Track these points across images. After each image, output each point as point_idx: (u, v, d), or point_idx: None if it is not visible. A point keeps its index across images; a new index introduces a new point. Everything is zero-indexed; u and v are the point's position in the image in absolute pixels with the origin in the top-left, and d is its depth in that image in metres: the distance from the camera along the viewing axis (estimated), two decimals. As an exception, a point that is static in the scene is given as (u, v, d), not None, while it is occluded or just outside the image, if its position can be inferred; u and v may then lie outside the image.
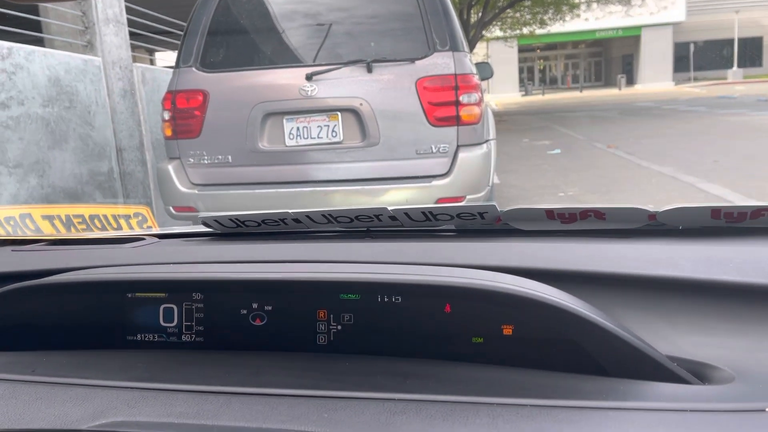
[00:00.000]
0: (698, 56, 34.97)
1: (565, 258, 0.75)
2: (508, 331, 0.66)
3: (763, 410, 0.50)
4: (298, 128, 3.35)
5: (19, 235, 1.04)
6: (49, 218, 1.03)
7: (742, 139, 8.99)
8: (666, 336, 0.65)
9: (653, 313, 0.68)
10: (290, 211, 1.00)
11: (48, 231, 1.07)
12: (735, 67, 31.75)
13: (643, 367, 0.58)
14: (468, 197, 3.24)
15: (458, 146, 3.25)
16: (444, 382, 0.60)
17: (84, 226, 1.04)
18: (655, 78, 34.26)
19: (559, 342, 0.61)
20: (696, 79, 33.96)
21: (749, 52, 34.65)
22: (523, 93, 37.53)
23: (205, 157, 3.40)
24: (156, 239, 1.05)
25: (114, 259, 0.87)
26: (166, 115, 3.43)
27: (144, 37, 5.41)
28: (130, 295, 0.77)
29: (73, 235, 1.07)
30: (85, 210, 1.02)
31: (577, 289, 0.68)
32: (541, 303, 0.61)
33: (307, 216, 0.99)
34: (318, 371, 0.66)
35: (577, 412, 0.51)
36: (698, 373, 0.59)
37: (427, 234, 0.99)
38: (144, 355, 0.74)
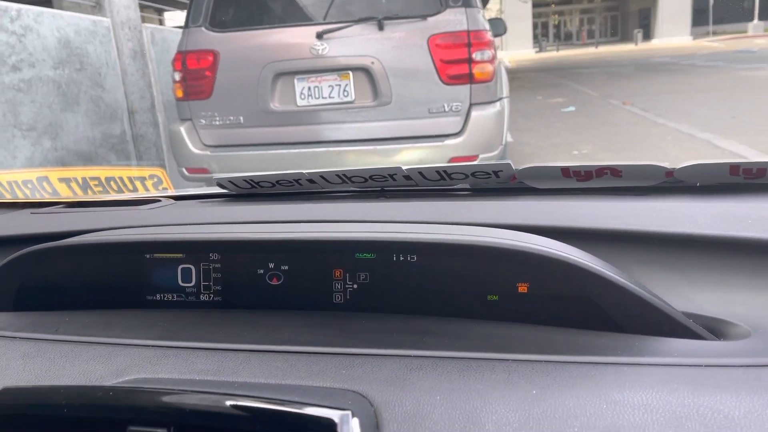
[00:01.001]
0: (717, 9, 33.97)
1: (580, 216, 0.75)
2: (523, 288, 0.66)
3: None
4: (309, 88, 3.32)
5: (37, 198, 1.06)
6: (66, 181, 1.04)
7: (761, 95, 8.80)
8: (682, 293, 0.65)
9: (670, 270, 0.68)
10: (304, 171, 1.00)
11: (65, 194, 1.08)
12: (756, 20, 30.82)
13: (659, 323, 0.58)
14: (481, 156, 3.22)
15: (471, 104, 3.21)
16: (460, 339, 0.61)
17: (100, 189, 1.05)
18: (673, 32, 33.40)
19: (575, 299, 0.62)
20: (715, 33, 33.06)
21: (771, 3, 33.58)
22: (537, 49, 36.82)
23: (217, 118, 3.39)
24: (172, 201, 1.06)
25: (131, 220, 0.88)
26: (177, 76, 3.41)
27: (152, -3, 5.34)
28: (148, 256, 0.78)
29: (90, 197, 1.08)
30: (101, 172, 1.03)
31: (592, 246, 0.68)
32: (556, 260, 0.61)
33: (321, 176, 0.99)
34: (335, 329, 0.67)
35: (592, 368, 0.52)
36: (714, 329, 0.60)
37: (442, 193, 0.99)
38: (164, 315, 0.75)
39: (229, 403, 0.45)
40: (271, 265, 0.75)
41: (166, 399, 0.46)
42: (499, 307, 0.67)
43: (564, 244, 0.64)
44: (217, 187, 1.06)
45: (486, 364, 0.54)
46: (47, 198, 1.05)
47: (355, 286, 0.73)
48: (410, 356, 0.56)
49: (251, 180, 1.03)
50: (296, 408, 0.44)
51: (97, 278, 0.78)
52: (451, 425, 0.46)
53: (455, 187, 0.99)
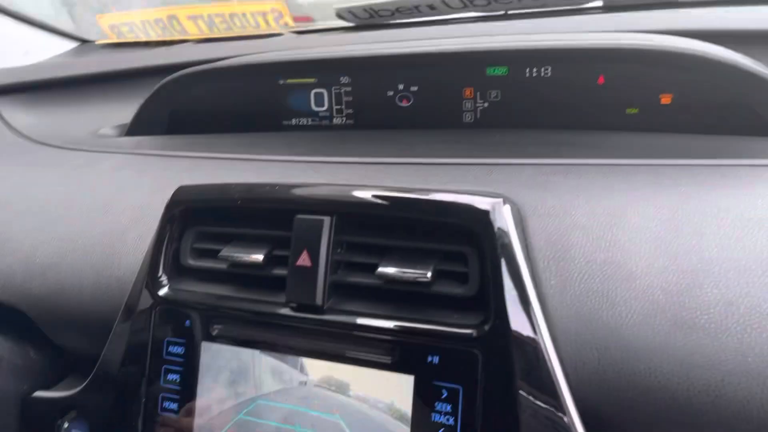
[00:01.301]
0: None
1: (732, 19, 0.69)
2: (666, 99, 0.64)
3: None
4: None
5: (168, 37, 1.10)
6: (194, 19, 1.08)
7: None
8: None
9: None
10: (424, -4, 0.97)
11: (193, 31, 1.12)
12: None
13: None
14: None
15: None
16: (600, 148, 0.60)
17: (225, 25, 1.08)
18: None
19: (726, 105, 0.58)
20: None
21: None
22: None
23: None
24: (294, 35, 1.07)
25: (262, 48, 0.90)
26: None
27: None
28: (281, 82, 0.81)
29: (217, 35, 1.11)
30: (225, 8, 1.06)
31: (747, 49, 0.62)
32: (706, 61, 0.58)
33: (442, 1, 0.96)
34: (469, 144, 0.68)
35: (747, 169, 0.50)
36: None
37: (573, 11, 0.93)
38: (302, 135, 0.79)
39: (387, 193, 0.48)
40: (401, 87, 0.76)
41: (329, 191, 0.50)
42: (639, 120, 0.65)
43: (716, 46, 0.60)
44: (337, 20, 1.05)
45: (629, 168, 0.53)
46: (177, 36, 1.09)
47: (486, 104, 0.72)
48: (548, 164, 0.56)
49: (370, 9, 1.01)
50: (451, 196, 0.46)
51: (238, 103, 0.82)
52: (594, 220, 0.47)
53: (587, 6, 0.93)
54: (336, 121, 0.81)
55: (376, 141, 0.73)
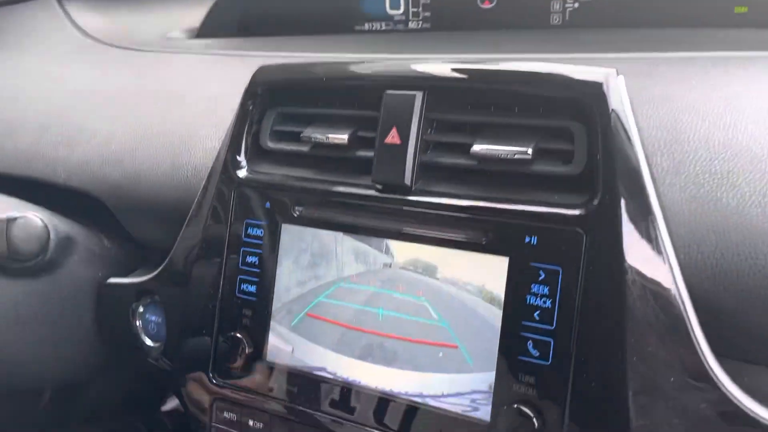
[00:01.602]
0: None
1: None
2: None
3: None
4: None
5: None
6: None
7: None
8: None
9: None
10: None
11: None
12: None
13: None
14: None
15: None
16: (708, 43, 0.56)
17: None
18: None
19: None
20: None
21: None
22: None
23: None
24: None
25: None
26: None
27: None
28: (355, -17, 0.77)
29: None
30: None
31: None
32: None
33: None
34: (560, 42, 0.64)
35: None
36: None
37: None
38: (377, 37, 0.76)
39: (485, 66, 0.45)
40: (483, -12, 0.72)
41: (419, 66, 0.47)
42: (748, 20, 0.60)
43: None
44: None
45: (744, 60, 0.49)
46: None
47: (577, 4, 0.68)
48: (652, 57, 0.52)
49: None
50: (557, 67, 0.43)
51: (309, 6, 0.79)
52: (710, 104, 0.43)
53: None
54: (412, 25, 0.77)
55: (457, 41, 0.70)
